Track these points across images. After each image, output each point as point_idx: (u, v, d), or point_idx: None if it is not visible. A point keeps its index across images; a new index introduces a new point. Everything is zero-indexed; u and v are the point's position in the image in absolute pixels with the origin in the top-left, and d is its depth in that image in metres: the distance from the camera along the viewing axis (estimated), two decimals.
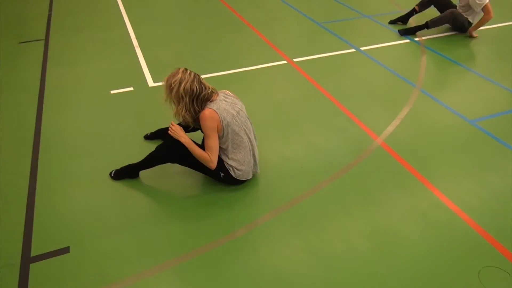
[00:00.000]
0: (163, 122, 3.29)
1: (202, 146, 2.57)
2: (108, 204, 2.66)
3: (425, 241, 2.41)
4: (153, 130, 3.26)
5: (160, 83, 4.03)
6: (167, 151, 2.59)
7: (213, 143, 2.43)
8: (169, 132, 2.53)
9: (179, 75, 2.34)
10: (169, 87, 2.36)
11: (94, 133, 3.32)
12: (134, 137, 3.27)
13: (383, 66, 4.39)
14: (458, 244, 2.38)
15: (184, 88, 2.33)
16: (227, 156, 2.57)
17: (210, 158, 2.46)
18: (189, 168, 2.74)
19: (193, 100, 2.37)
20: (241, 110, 2.58)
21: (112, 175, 2.83)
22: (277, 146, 3.18)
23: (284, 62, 4.46)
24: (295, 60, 4.49)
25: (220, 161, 2.58)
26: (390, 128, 3.38)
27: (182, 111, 2.38)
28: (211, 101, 2.45)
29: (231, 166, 2.58)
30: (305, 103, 3.75)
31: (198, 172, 2.79)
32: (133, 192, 2.76)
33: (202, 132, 2.53)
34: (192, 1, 6.31)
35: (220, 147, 2.53)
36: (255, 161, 2.69)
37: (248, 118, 2.64)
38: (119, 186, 2.80)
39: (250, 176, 2.71)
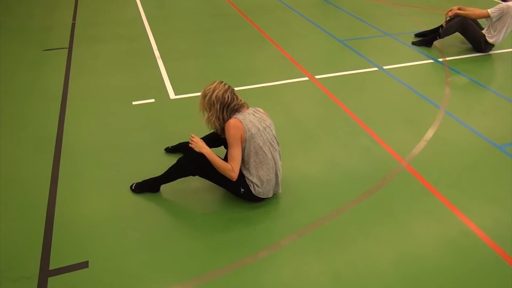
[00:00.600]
0: (184, 136, 3.25)
1: (224, 159, 2.56)
2: (128, 218, 2.62)
3: (453, 269, 2.31)
4: (174, 143, 3.23)
5: (181, 96, 4.02)
6: (189, 163, 2.58)
7: (236, 153, 2.45)
8: (190, 145, 2.52)
9: (214, 85, 2.49)
10: (203, 94, 2.50)
11: (115, 144, 3.30)
12: (155, 149, 3.24)
13: (406, 86, 4.32)
14: (486, 273, 2.28)
15: (216, 96, 2.45)
16: (249, 172, 2.54)
17: (232, 167, 2.45)
18: (210, 183, 2.71)
19: (223, 108, 2.46)
20: (268, 127, 2.57)
21: (133, 188, 2.81)
22: (298, 163, 3.12)
23: (306, 78, 4.42)
24: (317, 77, 4.44)
25: (242, 176, 2.55)
26: (415, 151, 3.30)
27: (212, 118, 2.48)
28: (239, 112, 2.51)
29: (252, 182, 2.54)
30: (327, 120, 3.69)
31: (218, 188, 2.75)
32: (153, 206, 2.72)
33: (226, 145, 2.52)
34: (214, 15, 6.34)
35: (243, 160, 2.52)
36: (277, 180, 2.64)
37: (275, 137, 2.63)
38: (140, 200, 2.76)
39: (271, 195, 2.66)
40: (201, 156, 2.50)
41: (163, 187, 2.81)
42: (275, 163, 2.59)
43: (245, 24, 5.96)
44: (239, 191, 2.59)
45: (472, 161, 3.23)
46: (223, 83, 2.52)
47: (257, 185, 2.55)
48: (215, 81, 2.54)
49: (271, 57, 4.93)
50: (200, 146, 2.52)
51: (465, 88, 4.36)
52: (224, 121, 2.49)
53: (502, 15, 4.82)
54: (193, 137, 2.55)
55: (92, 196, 2.79)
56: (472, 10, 5.01)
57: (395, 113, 3.83)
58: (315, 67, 4.65)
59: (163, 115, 3.71)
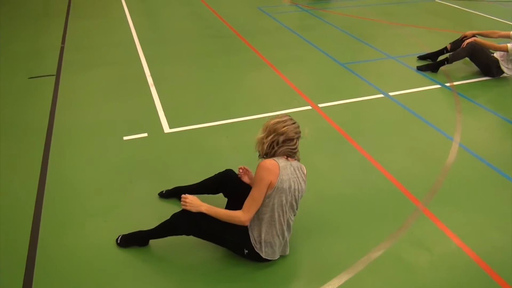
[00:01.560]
0: (181, 178, 2.99)
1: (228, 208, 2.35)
2: (112, 277, 2.32)
3: None
4: (169, 186, 2.94)
5: (176, 129, 3.73)
6: (184, 221, 2.31)
7: (258, 194, 2.22)
8: (183, 207, 2.24)
9: (286, 118, 2.33)
10: (276, 118, 2.33)
11: (104, 188, 3.01)
12: (148, 194, 2.96)
13: (416, 115, 4.07)
14: None
15: (278, 125, 2.28)
16: (260, 233, 2.29)
17: (243, 213, 2.23)
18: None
19: (277, 141, 2.27)
20: (298, 191, 2.33)
21: (119, 241, 2.54)
22: (306, 209, 2.83)
23: (309, 107, 4.16)
24: (320, 105, 4.19)
25: (246, 235, 2.29)
26: (430, 194, 3.02)
27: (266, 142, 2.29)
28: (285, 159, 2.30)
29: (257, 243, 2.29)
30: (335, 156, 3.44)
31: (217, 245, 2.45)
32: (141, 264, 2.43)
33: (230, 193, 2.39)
34: (210, 37, 6.10)
35: (257, 212, 2.26)
36: (286, 242, 2.40)
37: (298, 202, 2.37)
38: (126, 256, 2.47)
39: (277, 257, 2.38)
40: (199, 214, 2.23)
41: (153, 241, 2.52)
42: (288, 225, 2.36)
43: (243, 47, 5.72)
44: (242, 252, 2.32)
45: (493, 198, 2.98)
46: (296, 123, 2.34)
47: (263, 248, 2.29)
48: (290, 118, 2.35)
49: (271, 84, 4.67)
50: (196, 205, 2.25)
51: (475, 116, 4.13)
52: (267, 152, 2.31)
53: None
54: (185, 198, 2.28)
55: (76, 249, 2.49)
56: (490, 42, 4.79)
57: (407, 146, 3.60)
58: (317, 94, 4.39)
59: (157, 153, 3.43)
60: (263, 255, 2.30)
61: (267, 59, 5.27)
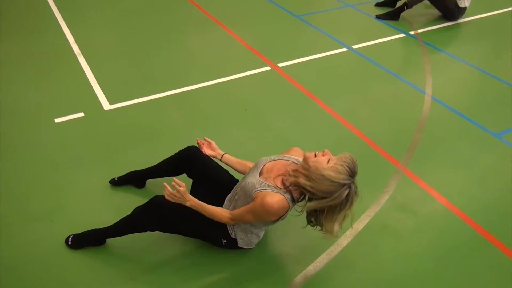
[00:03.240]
0: (132, 160, 2.84)
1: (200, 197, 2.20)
2: (70, 286, 2.16)
3: None
4: (119, 172, 2.77)
5: (119, 105, 3.50)
6: (152, 217, 2.18)
7: (253, 219, 2.09)
8: (166, 197, 2.09)
9: (346, 171, 1.91)
10: (336, 165, 1.91)
11: (43, 182, 2.77)
12: (97, 184, 2.77)
13: (383, 68, 4.13)
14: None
15: (328, 182, 1.89)
16: (237, 230, 2.24)
17: (231, 219, 2.14)
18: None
19: (309, 191, 1.96)
20: None
21: (70, 242, 2.36)
22: None
23: (268, 68, 4.07)
24: (280, 65, 4.12)
25: (224, 227, 2.24)
26: (409, 153, 3.10)
27: (302, 184, 1.95)
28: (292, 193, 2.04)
29: (237, 233, 2.24)
30: (302, 121, 3.42)
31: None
32: (101, 267, 2.28)
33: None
34: None
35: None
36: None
37: None
38: (82, 258, 2.31)
39: (254, 246, 2.36)
40: (171, 207, 2.11)
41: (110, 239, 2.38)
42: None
43: (183, 2, 5.41)
44: (219, 243, 2.27)
45: (470, 154, 3.12)
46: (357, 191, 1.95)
47: (241, 238, 2.25)
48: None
49: (221, 44, 4.50)
50: (184, 199, 2.09)
51: (442, 64, 4.27)
52: (298, 197, 2.04)
53: None
54: (179, 186, 2.07)
55: (20, 263, 2.28)
56: None
57: (379, 105, 3.65)
58: (275, 53, 4.30)
59: (99, 134, 3.21)
60: (240, 244, 2.26)
61: (213, 16, 5.04)
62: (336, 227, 1.94)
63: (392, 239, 2.50)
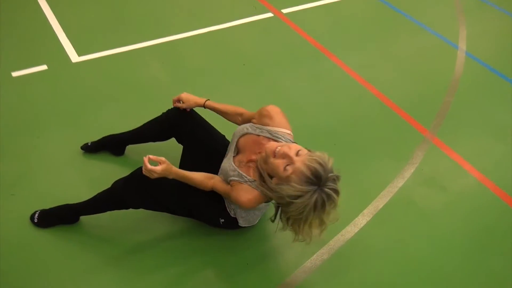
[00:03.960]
0: (108, 123, 2.85)
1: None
2: (39, 274, 2.17)
3: None
4: (92, 137, 2.76)
5: (89, 57, 3.45)
6: (134, 193, 2.17)
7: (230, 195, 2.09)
8: (144, 172, 2.06)
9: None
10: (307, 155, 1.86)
11: (2, 150, 2.74)
12: (65, 150, 2.75)
13: (408, 17, 4.13)
14: None
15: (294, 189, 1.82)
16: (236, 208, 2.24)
17: (211, 187, 2.15)
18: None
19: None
20: None
21: (36, 219, 2.36)
22: None
23: (270, 15, 4.05)
24: (284, 11, 4.09)
25: (222, 203, 2.24)
26: (438, 119, 3.12)
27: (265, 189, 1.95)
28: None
29: (233, 210, 2.25)
30: (313, 79, 3.42)
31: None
32: (76, 249, 2.29)
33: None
34: None
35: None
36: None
37: None
38: (52, 239, 2.30)
39: (257, 222, 2.38)
40: (156, 181, 2.08)
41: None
42: None
43: None
44: (217, 222, 2.29)
45: (507, 120, 3.14)
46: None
47: (242, 216, 2.25)
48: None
49: None
50: (166, 172, 2.04)
51: (483, 15, 4.24)
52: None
53: None
54: (159, 161, 2.02)
55: None
56: None
57: (404, 62, 3.65)
58: None
59: (66, 91, 3.17)
60: (241, 223, 2.27)
61: None
62: (313, 232, 1.90)
63: (417, 218, 2.53)
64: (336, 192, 1.82)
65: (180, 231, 2.38)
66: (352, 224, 2.46)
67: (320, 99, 3.25)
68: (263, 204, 2.16)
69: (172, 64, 3.47)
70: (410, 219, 2.53)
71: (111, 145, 2.70)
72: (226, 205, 2.23)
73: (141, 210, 2.25)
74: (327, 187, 1.79)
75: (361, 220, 2.49)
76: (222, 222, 2.27)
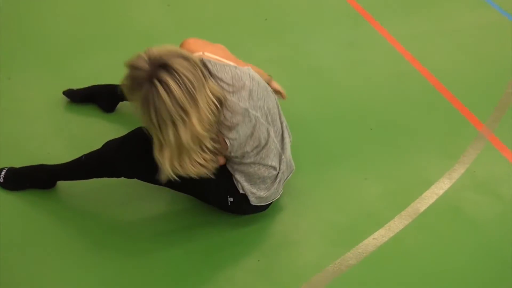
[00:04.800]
0: (100, 70, 2.94)
1: None
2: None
3: None
4: (80, 84, 2.81)
5: None
6: (128, 158, 2.20)
7: None
8: None
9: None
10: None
11: None
12: (42, 96, 2.82)
13: None
14: None
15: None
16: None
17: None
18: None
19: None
20: None
21: (2, 179, 2.41)
22: (314, 135, 2.87)
23: None
24: None
25: (228, 175, 2.28)
26: (498, 113, 3.15)
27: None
28: None
29: (246, 187, 2.31)
30: (350, 48, 3.47)
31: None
32: (47, 223, 2.33)
33: None
34: None
35: None
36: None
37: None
38: (18, 206, 2.35)
39: (271, 200, 2.44)
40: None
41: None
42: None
43: None
44: (225, 203, 2.34)
45: None
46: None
47: (252, 192, 2.31)
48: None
49: None
50: None
51: None
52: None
53: None
54: None
55: None
56: None
57: (458, 38, 3.68)
58: None
59: (48, 24, 3.26)
60: (252, 201, 2.32)
61: None
62: (165, 164, 1.89)
63: (464, 227, 2.56)
64: None
65: (177, 212, 2.43)
66: (386, 227, 2.49)
67: (355, 72, 3.28)
68: (271, 177, 2.30)
69: (180, 8, 3.51)
70: (455, 228, 2.55)
71: (102, 97, 2.75)
72: (234, 181, 2.28)
73: (134, 180, 2.29)
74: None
75: (397, 224, 2.51)
76: (231, 202, 2.32)
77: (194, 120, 1.78)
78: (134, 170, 2.23)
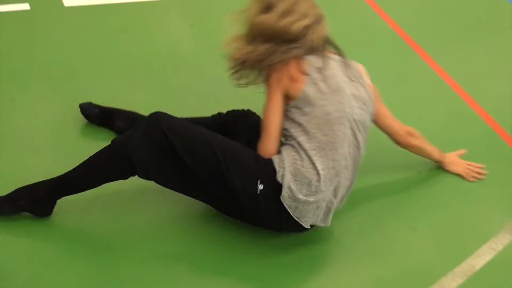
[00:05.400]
0: (106, 90, 3.02)
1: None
2: None
3: None
4: (90, 97, 2.91)
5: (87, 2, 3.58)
6: (148, 149, 2.33)
7: None
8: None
9: None
10: None
11: None
12: (47, 120, 2.90)
13: None
14: None
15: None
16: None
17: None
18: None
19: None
20: None
21: None
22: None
23: None
24: None
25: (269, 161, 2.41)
26: None
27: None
28: None
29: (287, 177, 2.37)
30: (397, 79, 3.50)
31: None
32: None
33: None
34: None
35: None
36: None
37: None
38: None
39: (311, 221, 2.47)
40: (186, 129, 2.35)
41: (64, 202, 2.46)
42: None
43: None
44: (253, 188, 2.38)
45: None
46: None
47: (289, 185, 2.36)
48: None
49: None
50: None
51: None
52: None
53: None
54: None
55: None
56: None
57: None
58: None
59: (53, 41, 3.36)
60: (283, 194, 2.35)
61: None
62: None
63: None
64: None
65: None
66: (437, 284, 2.47)
67: (403, 106, 3.27)
68: (314, 184, 2.35)
69: (205, 28, 3.59)
70: None
71: (120, 118, 2.86)
72: (276, 167, 2.37)
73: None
74: None
75: (450, 282, 2.49)
76: (260, 190, 2.36)
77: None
78: (152, 162, 2.33)
